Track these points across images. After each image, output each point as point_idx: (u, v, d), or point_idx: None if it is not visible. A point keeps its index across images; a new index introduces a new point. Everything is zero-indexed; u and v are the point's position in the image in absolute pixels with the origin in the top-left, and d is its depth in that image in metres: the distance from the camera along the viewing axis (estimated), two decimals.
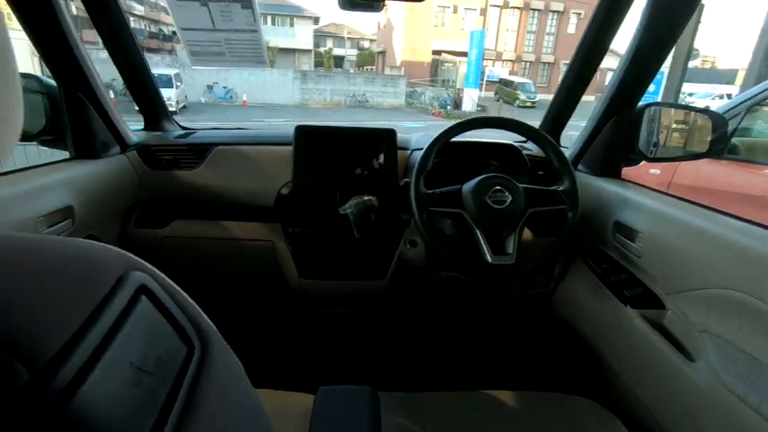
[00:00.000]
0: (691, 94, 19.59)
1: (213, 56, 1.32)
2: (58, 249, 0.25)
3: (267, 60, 1.37)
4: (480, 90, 20.15)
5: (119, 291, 0.25)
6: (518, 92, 21.65)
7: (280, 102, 18.04)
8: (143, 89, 1.37)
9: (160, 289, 0.28)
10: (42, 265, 0.23)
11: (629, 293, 1.02)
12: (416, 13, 25.25)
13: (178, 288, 0.30)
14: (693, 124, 1.20)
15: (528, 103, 20.98)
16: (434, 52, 25.88)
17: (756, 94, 2.51)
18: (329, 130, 1.28)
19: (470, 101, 19.06)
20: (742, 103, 2.50)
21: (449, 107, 18.57)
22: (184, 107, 14.14)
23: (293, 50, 26.63)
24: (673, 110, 1.27)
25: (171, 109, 1.45)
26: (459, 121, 1.12)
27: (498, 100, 21.85)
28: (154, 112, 1.43)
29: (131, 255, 0.29)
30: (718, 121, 1.10)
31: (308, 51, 27.87)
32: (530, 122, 1.21)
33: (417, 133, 1.54)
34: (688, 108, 1.25)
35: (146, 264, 0.29)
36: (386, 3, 1.06)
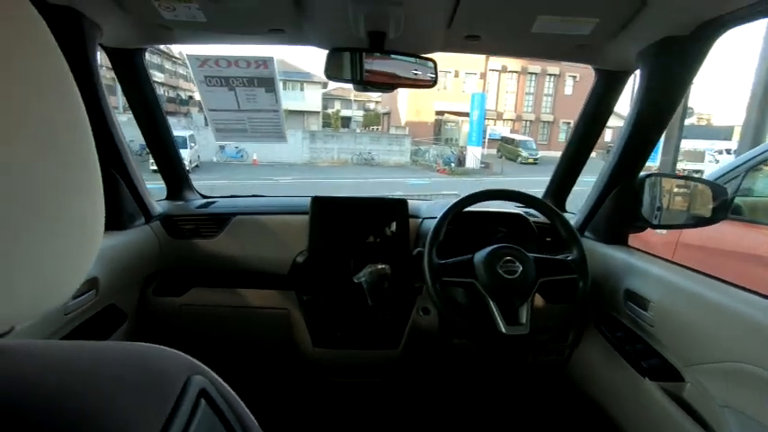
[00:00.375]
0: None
1: (236, 132, 1.42)
2: (126, 356, 0.28)
3: (286, 136, 1.47)
4: (483, 147, 20.74)
5: (185, 397, 0.28)
6: (520, 149, 22.23)
7: (289, 160, 18.62)
8: (168, 160, 1.45)
9: (216, 392, 0.31)
10: (118, 373, 0.27)
11: (647, 365, 1.01)
12: None
13: (231, 391, 0.33)
14: (694, 190, 1.25)
15: (530, 160, 21.47)
16: (437, 113, 26.96)
17: (754, 157, 2.59)
18: (343, 201, 1.34)
19: (474, 158, 19.56)
20: (739, 165, 2.57)
21: (452, 164, 19.03)
22: (197, 166, 14.67)
23: (302, 112, 27.88)
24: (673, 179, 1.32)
25: None
26: (467, 194, 1.17)
27: (501, 157, 22.42)
28: (177, 181, 1.51)
29: (189, 357, 0.32)
30: (717, 190, 1.15)
31: (317, 113, 29.16)
32: (534, 178, 1.26)
33: (427, 201, 1.60)
34: (687, 178, 1.30)
35: (203, 366, 0.32)
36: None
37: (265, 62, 1.28)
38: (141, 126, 1.38)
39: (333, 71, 1.05)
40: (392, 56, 1.08)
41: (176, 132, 1.61)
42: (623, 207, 1.27)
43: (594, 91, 1.30)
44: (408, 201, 1.41)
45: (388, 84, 1.06)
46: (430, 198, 1.81)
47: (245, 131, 1.42)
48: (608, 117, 1.40)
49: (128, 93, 1.30)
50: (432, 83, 1.08)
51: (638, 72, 1.15)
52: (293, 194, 1.62)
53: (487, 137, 22.90)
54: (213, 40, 1.21)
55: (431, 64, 1.09)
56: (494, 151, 23.79)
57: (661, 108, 1.10)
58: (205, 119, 1.47)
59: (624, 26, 1.02)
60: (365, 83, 1.05)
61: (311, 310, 1.36)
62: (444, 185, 12.91)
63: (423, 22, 1.11)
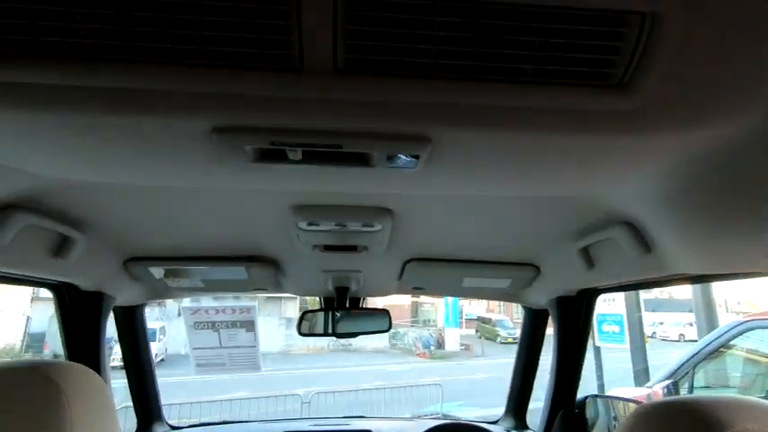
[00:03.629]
0: (661, 323, 20.71)
1: (216, 366, 1.56)
2: None
3: (261, 366, 1.63)
4: (461, 327, 20.70)
5: None
6: (497, 329, 22.23)
7: (263, 349, 17.86)
8: (145, 397, 1.54)
9: None
10: None
11: None
12: None
13: None
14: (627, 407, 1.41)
15: (509, 340, 21.29)
16: (413, 295, 27.60)
17: (700, 350, 2.81)
18: None
19: (453, 340, 19.30)
20: (689, 360, 2.77)
21: (432, 347, 18.60)
22: (162, 360, 13.81)
23: (279, 298, 28.02)
24: (610, 399, 1.49)
25: None
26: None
27: (480, 337, 22.21)
28: (148, 416, 1.56)
29: None
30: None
31: (294, 298, 29.31)
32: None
33: (392, 422, 1.67)
34: (624, 399, 1.47)
35: None
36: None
37: (249, 309, 1.52)
38: (126, 362, 1.51)
39: (306, 329, 1.29)
40: (353, 312, 1.35)
41: (148, 325, 1.74)
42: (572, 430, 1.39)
43: (525, 322, 1.58)
44: (372, 427, 1.49)
45: (353, 333, 1.31)
46: (400, 416, 1.88)
47: (224, 365, 1.57)
48: (542, 340, 1.65)
49: (123, 337, 1.48)
50: (387, 329, 1.33)
51: None
52: (267, 391, 1.70)
53: (464, 317, 23.10)
54: (206, 295, 1.47)
55: (386, 315, 1.36)
56: (472, 331, 23.65)
57: (575, 342, 1.36)
58: (179, 310, 1.66)
59: (530, 285, 1.38)
60: (334, 335, 1.29)
61: None
62: (426, 372, 12.39)
63: (378, 280, 1.44)
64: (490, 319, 23.68)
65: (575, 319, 1.45)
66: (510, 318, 24.63)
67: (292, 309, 28.42)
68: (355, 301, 1.80)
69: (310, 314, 1.42)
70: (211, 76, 0.59)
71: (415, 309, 26.99)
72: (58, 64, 0.56)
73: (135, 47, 0.56)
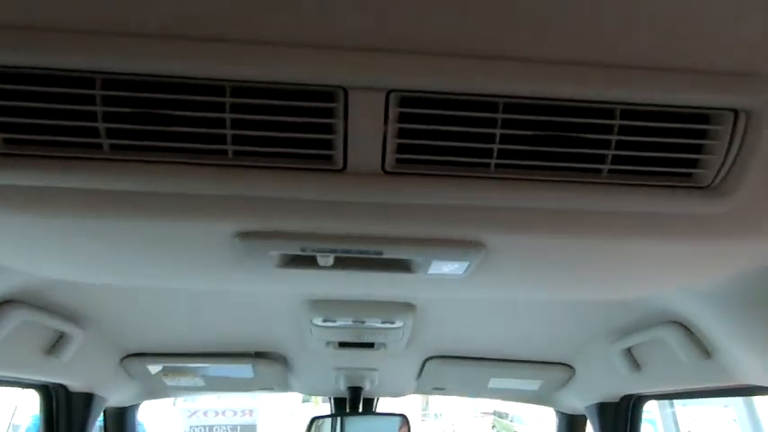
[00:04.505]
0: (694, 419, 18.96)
1: None
2: None
3: None
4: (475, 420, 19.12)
5: None
6: (514, 423, 20.53)
7: None
8: None
9: None
10: None
11: None
12: None
13: None
14: None
15: None
16: None
17: None
18: None
19: None
20: None
21: None
22: None
23: None
24: None
25: None
26: None
27: None
28: None
29: None
30: None
31: None
32: None
33: None
34: None
35: None
36: None
37: (251, 411, 1.37)
38: None
39: None
40: (364, 416, 1.20)
41: None
42: None
43: (559, 430, 1.40)
44: None
45: None
46: None
47: None
48: None
49: None
50: None
51: None
52: None
53: (479, 410, 21.43)
54: (206, 394, 1.33)
55: (404, 421, 1.21)
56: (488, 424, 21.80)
57: None
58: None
59: (563, 387, 1.23)
60: None
61: None
62: None
63: (395, 379, 1.30)
64: (507, 414, 21.92)
65: (618, 428, 1.28)
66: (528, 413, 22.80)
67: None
68: (368, 402, 1.64)
69: (319, 420, 1.26)
70: (239, 176, 0.53)
71: (426, 399, 25.21)
72: (71, 165, 0.51)
73: (158, 147, 0.52)
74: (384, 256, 0.63)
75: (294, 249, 0.62)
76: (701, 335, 0.94)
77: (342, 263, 0.65)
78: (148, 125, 0.50)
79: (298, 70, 0.47)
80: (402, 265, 0.67)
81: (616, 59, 0.47)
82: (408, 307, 1.09)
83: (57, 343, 1.06)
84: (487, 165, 0.54)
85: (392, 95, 0.49)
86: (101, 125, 0.49)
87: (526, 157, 0.53)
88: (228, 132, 0.51)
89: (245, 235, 0.59)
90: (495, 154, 0.53)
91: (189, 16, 0.44)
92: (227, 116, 0.50)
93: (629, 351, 1.18)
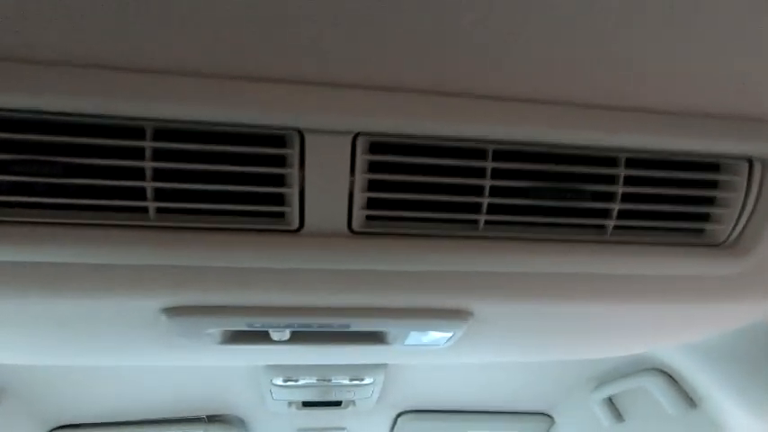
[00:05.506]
0: None
1: None
2: None
3: None
4: None
5: None
6: None
7: None
8: None
9: None
10: None
11: None
12: None
13: None
14: None
15: None
16: None
17: None
18: None
19: None
20: None
21: None
22: None
23: None
24: None
25: None
26: None
27: None
28: None
29: None
30: None
31: None
32: None
33: None
34: None
35: None
36: None
37: None
38: None
39: None
40: None
41: None
42: None
43: None
44: None
45: None
46: None
47: None
48: None
49: None
50: None
51: None
52: None
53: None
54: None
55: None
56: None
57: None
58: None
59: None
60: None
61: None
62: None
63: None
64: None
65: None
66: None
67: None
68: None
69: None
70: (163, 240, 0.42)
71: None
72: None
73: (56, 204, 0.41)
74: (351, 330, 0.53)
75: (238, 325, 0.50)
76: (686, 384, 0.89)
77: (301, 336, 0.55)
78: (44, 177, 0.39)
79: (240, 108, 0.38)
80: (374, 338, 0.58)
81: (621, 101, 0.41)
82: (379, 364, 0.99)
83: None
84: (475, 222, 0.46)
85: (360, 139, 0.41)
86: None
87: (520, 213, 0.46)
88: (149, 185, 0.40)
89: (173, 311, 0.47)
90: (484, 209, 0.45)
91: (98, 41, 0.35)
92: (148, 164, 0.40)
93: (610, 400, 1.12)
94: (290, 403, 1.14)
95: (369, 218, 0.45)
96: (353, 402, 1.17)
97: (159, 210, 0.42)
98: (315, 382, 1.01)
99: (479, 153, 0.43)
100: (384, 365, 1.00)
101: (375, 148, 0.42)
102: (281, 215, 0.44)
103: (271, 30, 0.34)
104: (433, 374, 1.15)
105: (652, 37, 0.37)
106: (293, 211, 0.43)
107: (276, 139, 0.41)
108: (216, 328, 0.51)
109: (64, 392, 1.04)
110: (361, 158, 0.42)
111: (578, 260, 0.48)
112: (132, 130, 0.39)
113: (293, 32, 0.35)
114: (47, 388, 1.00)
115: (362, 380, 1.03)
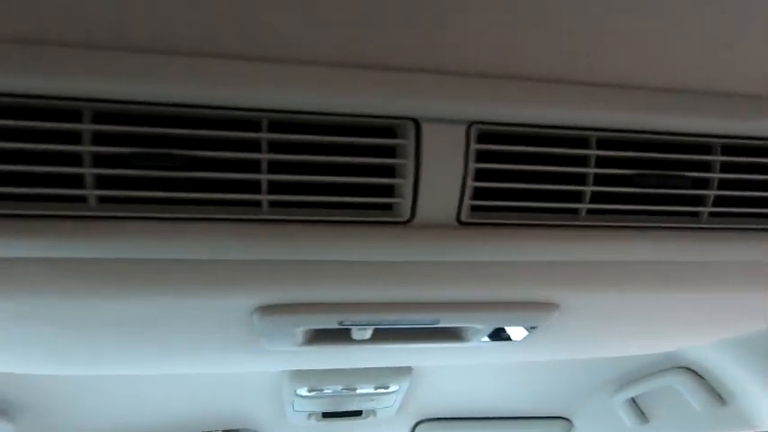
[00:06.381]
0: None
1: None
2: None
3: None
4: None
5: None
6: None
7: None
8: None
9: None
10: None
11: None
12: None
13: None
14: None
15: None
16: None
17: None
18: None
19: None
20: None
21: None
22: None
23: None
24: None
25: None
26: None
27: None
28: None
29: None
30: None
31: None
32: None
33: None
34: None
35: None
36: None
37: None
38: None
39: None
40: None
41: None
42: None
43: None
44: None
45: None
46: None
47: None
48: None
49: None
50: None
51: None
52: None
53: None
54: None
55: None
56: None
57: None
58: None
59: None
60: None
61: None
62: None
63: None
64: None
65: None
66: None
67: None
68: None
69: None
70: (275, 233, 0.41)
71: None
72: (48, 228, 0.37)
73: (163, 199, 0.39)
74: (438, 326, 0.51)
75: (329, 323, 0.49)
76: (715, 381, 0.90)
77: (381, 335, 0.54)
78: (164, 171, 0.38)
79: (360, 97, 0.38)
80: (454, 335, 0.57)
81: (721, 86, 0.42)
82: (405, 369, 0.98)
83: None
84: (576, 211, 0.46)
85: (473, 128, 0.41)
86: (87, 171, 0.36)
87: (622, 201, 0.47)
88: (264, 178, 0.39)
89: (266, 309, 0.46)
90: (587, 198, 0.45)
91: (210, 29, 0.34)
92: (264, 156, 0.38)
93: (633, 401, 1.12)
94: (309, 415, 1.11)
95: (474, 208, 0.45)
96: (374, 412, 1.15)
97: (271, 203, 0.41)
98: (340, 390, 0.99)
99: (582, 142, 0.44)
100: (409, 370, 0.98)
101: (484, 137, 0.43)
102: (389, 207, 0.43)
103: (388, 20, 0.34)
104: (453, 379, 1.14)
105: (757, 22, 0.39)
106: (405, 202, 0.42)
107: (383, 130, 0.41)
108: (306, 326, 0.50)
109: (79, 414, 0.99)
110: (473, 148, 0.42)
111: (675, 247, 0.48)
112: (247, 122, 0.38)
113: (411, 22, 0.34)
114: (62, 409, 0.94)
115: (387, 387, 1.01)
